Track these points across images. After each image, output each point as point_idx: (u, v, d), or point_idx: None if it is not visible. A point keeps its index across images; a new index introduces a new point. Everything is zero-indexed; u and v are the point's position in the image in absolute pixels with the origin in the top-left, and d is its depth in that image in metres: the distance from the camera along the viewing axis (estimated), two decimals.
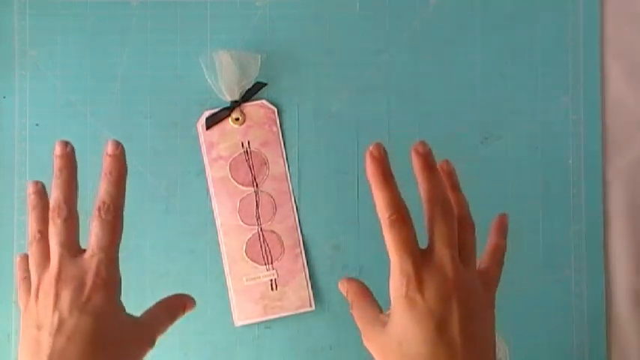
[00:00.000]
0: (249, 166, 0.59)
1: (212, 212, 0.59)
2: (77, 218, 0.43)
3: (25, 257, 0.44)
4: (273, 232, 0.59)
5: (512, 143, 0.59)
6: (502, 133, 0.59)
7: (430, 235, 0.41)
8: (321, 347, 0.59)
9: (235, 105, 0.58)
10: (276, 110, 0.59)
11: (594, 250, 0.59)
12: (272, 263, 0.59)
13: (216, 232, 0.59)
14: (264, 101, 0.59)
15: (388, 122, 0.59)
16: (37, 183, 0.45)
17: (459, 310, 0.39)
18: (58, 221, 0.42)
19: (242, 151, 0.59)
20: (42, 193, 0.45)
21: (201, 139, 0.59)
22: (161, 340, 0.56)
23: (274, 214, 0.59)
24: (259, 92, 0.59)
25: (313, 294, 0.59)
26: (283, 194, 0.59)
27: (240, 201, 0.59)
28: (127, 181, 0.59)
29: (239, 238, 0.59)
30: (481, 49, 0.60)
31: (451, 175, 0.46)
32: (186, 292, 0.47)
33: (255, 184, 0.59)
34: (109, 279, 0.41)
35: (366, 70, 0.59)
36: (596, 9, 0.60)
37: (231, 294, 0.58)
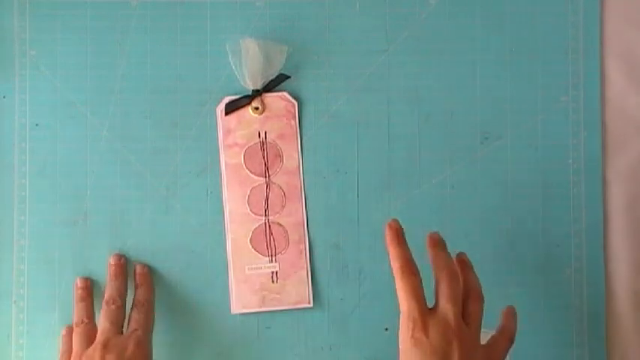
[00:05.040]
0: (264, 156, 0.59)
1: (221, 199, 0.59)
2: (125, 310, 0.56)
3: (69, 332, 0.56)
4: (280, 224, 0.59)
5: (512, 143, 0.59)
6: (502, 133, 0.59)
7: (436, 294, 0.49)
8: (321, 347, 0.59)
9: (256, 94, 0.58)
10: (296, 104, 0.59)
11: (594, 250, 0.59)
12: (275, 255, 0.59)
13: (222, 223, 0.59)
14: (285, 93, 0.59)
15: (388, 122, 0.59)
16: (86, 280, 0.58)
17: (459, 351, 0.46)
18: (113, 307, 0.55)
19: (258, 140, 0.59)
20: (89, 289, 0.58)
21: (219, 124, 0.59)
22: (158, 335, 0.57)
23: (283, 207, 0.59)
24: (281, 84, 0.59)
25: (312, 291, 0.59)
26: (294, 189, 0.59)
27: (251, 190, 0.59)
28: (127, 181, 0.59)
29: (245, 226, 0.59)
30: (481, 49, 0.60)
31: (465, 261, 0.53)
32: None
33: (267, 174, 0.59)
34: (145, 349, 0.54)
35: (365, 70, 0.59)
36: (596, 9, 0.60)
37: (232, 281, 0.58)
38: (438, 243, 0.51)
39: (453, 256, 0.51)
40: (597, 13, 0.60)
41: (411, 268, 0.49)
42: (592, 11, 0.60)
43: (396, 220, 0.51)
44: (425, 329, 0.46)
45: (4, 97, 0.59)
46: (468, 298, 0.50)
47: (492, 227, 0.59)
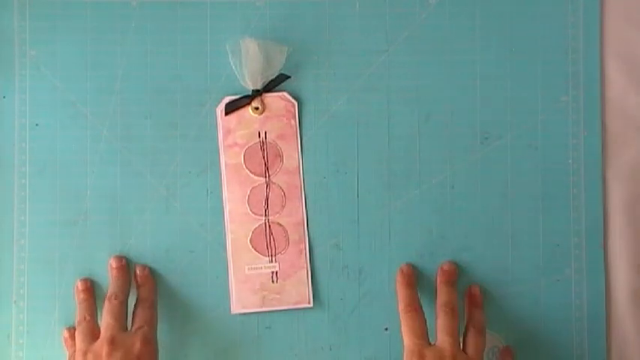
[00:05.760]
0: (264, 156, 0.59)
1: (221, 199, 0.59)
2: (127, 307, 0.56)
3: (71, 334, 0.56)
4: (279, 224, 0.59)
5: (512, 143, 0.59)
6: (502, 133, 0.59)
7: (437, 328, 0.54)
8: (321, 347, 0.59)
9: (256, 94, 0.58)
10: (296, 104, 0.59)
11: (594, 250, 0.59)
12: (275, 255, 0.59)
13: (222, 223, 0.59)
14: (285, 93, 0.59)
15: (388, 122, 0.59)
16: (86, 281, 0.58)
17: None
18: (115, 302, 0.55)
19: (258, 140, 0.59)
20: (90, 290, 0.58)
21: (219, 124, 0.59)
22: (158, 335, 0.57)
23: (283, 207, 0.59)
24: (281, 84, 0.59)
25: (312, 291, 0.59)
26: (294, 188, 0.59)
27: (251, 190, 0.59)
28: (127, 181, 0.59)
29: (245, 226, 0.59)
30: (481, 49, 0.60)
31: (474, 295, 0.58)
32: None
33: (267, 174, 0.59)
34: (152, 346, 0.54)
35: (366, 70, 0.59)
36: (596, 9, 0.60)
37: (232, 281, 0.58)
38: (447, 279, 0.57)
39: (467, 282, 0.58)
40: (597, 13, 0.60)
41: (414, 307, 0.55)
42: (592, 11, 0.60)
43: (408, 265, 0.58)
44: None
45: (4, 97, 0.59)
46: (470, 331, 0.55)
47: (492, 227, 0.59)
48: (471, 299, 0.58)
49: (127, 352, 0.52)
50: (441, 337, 0.53)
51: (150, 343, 0.53)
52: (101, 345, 0.52)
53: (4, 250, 0.58)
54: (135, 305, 0.56)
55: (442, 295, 0.56)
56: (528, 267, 0.59)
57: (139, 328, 0.54)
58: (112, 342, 0.52)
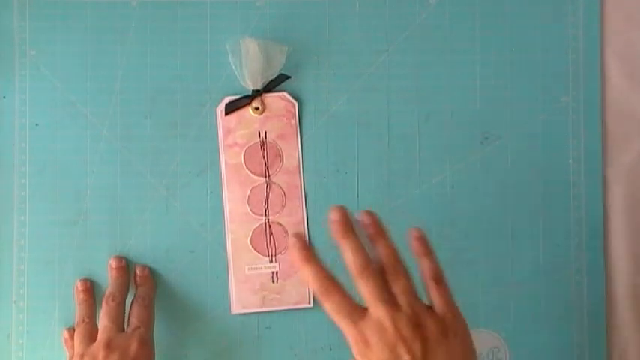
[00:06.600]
0: (264, 156, 0.59)
1: (221, 199, 0.59)
2: (124, 307, 0.56)
3: (71, 335, 0.56)
4: (279, 224, 0.59)
5: (512, 143, 0.59)
6: (502, 133, 0.59)
7: (363, 297, 0.43)
8: (321, 347, 0.59)
9: (256, 94, 0.58)
10: (296, 104, 0.59)
11: (594, 250, 0.59)
12: (275, 255, 0.59)
13: (222, 223, 0.59)
14: (285, 93, 0.59)
15: (388, 122, 0.59)
16: (85, 281, 0.58)
17: (408, 354, 0.41)
18: (113, 304, 0.55)
19: (258, 140, 0.59)
20: (89, 290, 0.58)
21: (219, 124, 0.59)
22: (158, 335, 0.57)
23: (283, 206, 0.59)
24: (281, 84, 0.59)
25: (312, 291, 0.59)
26: (294, 188, 0.59)
27: (251, 190, 0.59)
28: (127, 181, 0.59)
29: (245, 226, 0.59)
30: (481, 49, 0.60)
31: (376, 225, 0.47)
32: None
33: (267, 174, 0.59)
34: (148, 347, 0.54)
35: (366, 70, 0.59)
36: (596, 9, 0.60)
37: (232, 282, 0.58)
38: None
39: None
40: (597, 13, 0.60)
41: (334, 285, 0.45)
42: (592, 11, 0.60)
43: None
44: (367, 347, 0.42)
45: (4, 97, 0.59)
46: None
47: (492, 227, 0.59)
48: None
49: (123, 354, 0.52)
50: (371, 305, 0.43)
51: (146, 344, 0.53)
52: (98, 348, 0.52)
53: (4, 250, 0.58)
54: (132, 302, 0.56)
55: (347, 253, 0.46)
56: (528, 267, 0.59)
57: (136, 328, 0.54)
58: (108, 345, 0.52)
